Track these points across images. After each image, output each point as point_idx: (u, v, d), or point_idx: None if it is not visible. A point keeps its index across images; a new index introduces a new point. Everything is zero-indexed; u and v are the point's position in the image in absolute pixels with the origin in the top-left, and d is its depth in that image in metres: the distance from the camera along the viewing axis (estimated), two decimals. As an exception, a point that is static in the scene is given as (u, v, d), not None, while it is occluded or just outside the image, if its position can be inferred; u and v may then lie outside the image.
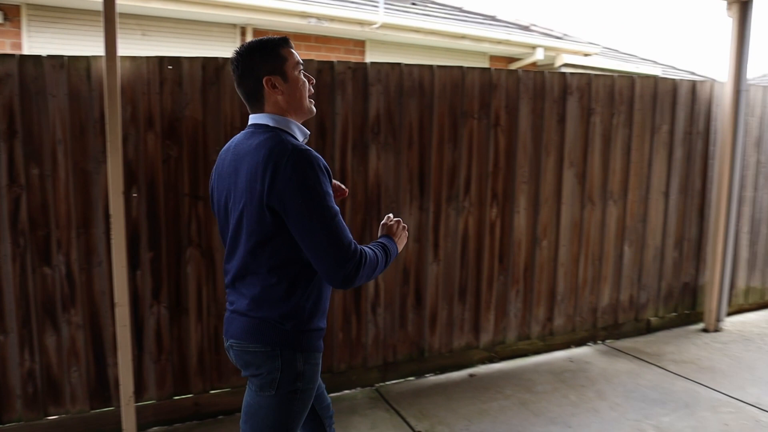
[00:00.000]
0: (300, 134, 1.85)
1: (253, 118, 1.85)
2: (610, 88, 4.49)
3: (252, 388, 1.82)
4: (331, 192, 1.70)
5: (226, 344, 1.87)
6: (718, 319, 5.04)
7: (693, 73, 12.38)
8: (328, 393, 3.52)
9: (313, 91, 1.89)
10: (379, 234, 2.02)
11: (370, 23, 6.86)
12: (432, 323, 4.07)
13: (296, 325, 1.77)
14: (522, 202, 4.28)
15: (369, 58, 7.51)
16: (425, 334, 4.06)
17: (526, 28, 8.78)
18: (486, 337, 4.29)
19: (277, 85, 1.79)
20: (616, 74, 4.63)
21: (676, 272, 5.09)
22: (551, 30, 9.03)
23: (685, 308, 5.20)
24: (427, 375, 4.08)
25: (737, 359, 4.36)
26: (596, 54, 9.47)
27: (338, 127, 3.58)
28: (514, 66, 8.55)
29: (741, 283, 5.50)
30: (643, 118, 4.68)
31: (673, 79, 4.81)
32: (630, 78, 4.61)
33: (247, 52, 1.80)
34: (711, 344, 4.68)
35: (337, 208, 1.71)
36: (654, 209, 4.87)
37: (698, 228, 5.13)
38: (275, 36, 1.83)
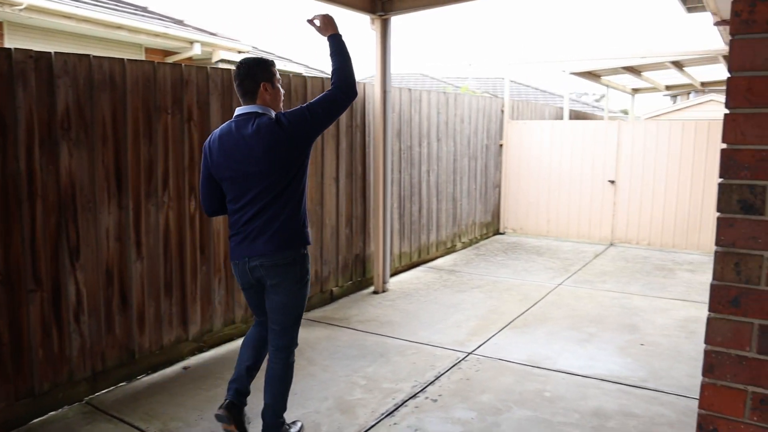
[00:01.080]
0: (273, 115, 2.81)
1: (245, 108, 2.81)
2: (287, 85, 4.96)
3: (279, 293, 2.85)
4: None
5: (252, 264, 2.83)
6: (385, 282, 6.06)
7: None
8: (31, 420, 3.25)
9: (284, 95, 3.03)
10: (324, 33, 2.94)
11: (12, 3, 6.03)
12: (140, 322, 3.98)
13: (301, 239, 2.86)
14: (218, 194, 4.45)
15: (9, 43, 6.57)
16: (134, 334, 3.95)
17: (180, 22, 8.80)
18: (195, 329, 4.37)
19: (268, 88, 2.81)
20: (290, 74, 5.14)
21: (349, 246, 5.92)
22: (204, 26, 9.22)
23: (359, 276, 6.10)
24: (140, 377, 3.98)
25: (405, 311, 5.36)
26: (248, 52, 10.02)
27: (22, 122, 3.21)
28: (171, 59, 8.50)
29: (396, 249, 6.68)
30: (315, 114, 5.30)
31: (336, 80, 5.55)
32: (303, 77, 5.18)
33: (252, 64, 2.81)
34: (383, 303, 5.63)
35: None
36: (328, 193, 5.57)
37: (363, 207, 6.05)
38: (269, 58, 2.86)
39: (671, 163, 7.85)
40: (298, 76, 5.20)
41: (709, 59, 8.93)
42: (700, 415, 1.59)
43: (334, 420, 3.38)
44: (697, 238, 7.80)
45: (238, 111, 2.83)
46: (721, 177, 1.49)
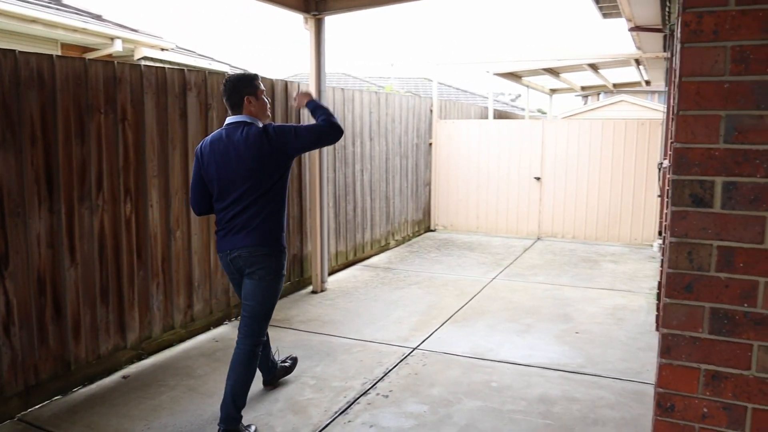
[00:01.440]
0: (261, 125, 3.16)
1: (235, 118, 3.18)
2: (219, 86, 4.86)
3: (254, 280, 3.15)
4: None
5: (233, 255, 3.15)
6: (323, 281, 6.05)
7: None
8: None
9: (269, 105, 3.35)
10: (305, 105, 3.50)
11: None
12: (76, 332, 3.80)
13: (279, 236, 3.17)
14: (154, 196, 4.32)
15: None
16: (70, 345, 3.76)
17: (98, 17, 8.40)
18: (133, 336, 4.22)
19: (251, 101, 3.17)
20: (225, 73, 5.04)
21: (288, 247, 5.86)
22: (124, 22, 8.85)
23: (296, 276, 6.06)
24: (77, 389, 3.79)
25: (346, 310, 5.38)
26: (172, 50, 9.72)
27: (-57, 122, 3.00)
28: (90, 56, 8.10)
29: (333, 249, 6.69)
30: (251, 113, 5.23)
31: (271, 79, 5.50)
32: (238, 76, 5.08)
33: (235, 80, 3.19)
34: (323, 302, 5.63)
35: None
36: (266, 194, 5.50)
37: (299, 207, 6.02)
38: (253, 72, 3.33)
39: (592, 160, 8.28)
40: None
41: (622, 62, 9.48)
42: (658, 393, 1.71)
43: (287, 421, 3.36)
44: (617, 230, 8.27)
45: (228, 120, 3.20)
46: (673, 173, 1.62)
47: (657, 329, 4.68)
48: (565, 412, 3.38)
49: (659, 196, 5.72)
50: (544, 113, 25.68)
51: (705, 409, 1.66)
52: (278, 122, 5.07)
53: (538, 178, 8.65)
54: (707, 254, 1.61)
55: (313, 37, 5.71)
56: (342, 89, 6.75)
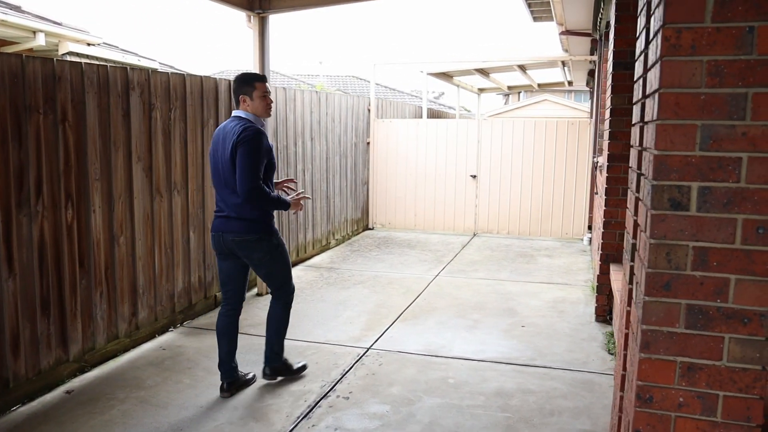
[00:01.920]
0: (257, 123, 3.56)
1: (236, 113, 3.59)
2: (166, 84, 4.71)
3: (253, 263, 3.65)
4: (261, 154, 3.44)
5: (224, 237, 3.57)
6: (268, 283, 5.96)
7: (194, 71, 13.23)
8: None
9: (271, 103, 3.67)
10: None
11: None
12: (14, 347, 3.57)
13: (266, 222, 3.58)
14: (97, 201, 4.13)
15: None
16: (8, 361, 3.54)
17: (17, 9, 7.89)
18: (76, 348, 4.02)
19: (246, 100, 3.57)
20: (169, 73, 4.87)
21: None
22: (46, 14, 8.35)
23: (241, 279, 5.94)
24: (16, 407, 3.57)
25: (294, 312, 5.21)
26: (99, 45, 9.29)
27: None
28: (10, 50, 7.61)
29: (275, 250, 6.59)
30: (194, 113, 5.09)
31: (215, 78, 5.37)
32: (182, 75, 4.93)
33: (236, 80, 3.62)
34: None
35: (262, 164, 3.48)
36: (209, 196, 5.37)
37: (242, 208, 5.90)
38: (256, 73, 3.78)
39: (526, 158, 8.59)
40: (178, 73, 4.94)
41: (549, 64, 9.87)
42: (638, 386, 1.82)
43: (249, 428, 3.31)
44: (550, 225, 8.62)
45: (233, 113, 3.64)
46: (654, 179, 1.73)
47: (596, 320, 4.94)
48: (522, 404, 3.51)
49: (596, 193, 6.00)
50: (468, 111, 26.32)
51: (681, 399, 1.79)
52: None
53: (474, 176, 8.87)
54: (684, 254, 1.73)
55: (257, 35, 5.61)
56: (284, 88, 6.68)
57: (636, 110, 2.26)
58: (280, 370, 3.89)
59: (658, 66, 1.71)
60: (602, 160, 5.23)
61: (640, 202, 2.02)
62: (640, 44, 2.21)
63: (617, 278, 4.10)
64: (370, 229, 9.51)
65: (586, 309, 5.30)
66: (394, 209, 9.40)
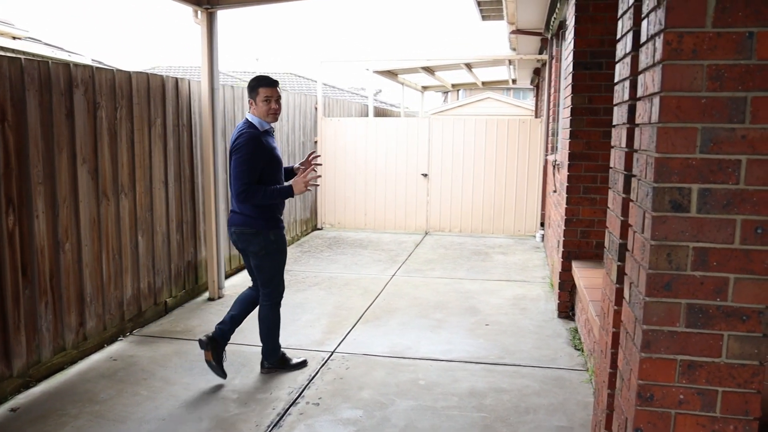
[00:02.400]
0: (259, 127, 3.74)
1: (246, 115, 3.80)
2: (111, 82, 4.46)
3: (250, 255, 3.85)
4: (253, 159, 3.62)
5: (230, 230, 3.85)
6: (220, 287, 5.78)
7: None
8: None
9: (275, 107, 3.76)
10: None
11: None
12: (-46, 366, 3.29)
13: (266, 217, 3.75)
14: (40, 205, 3.86)
15: None
16: (-52, 381, 3.26)
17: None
18: (20, 362, 3.75)
19: (252, 104, 3.76)
20: (114, 69, 4.61)
21: (181, 253, 5.53)
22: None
23: (191, 284, 5.73)
24: (-44, 431, 3.30)
25: (252, 316, 5.13)
26: (23, 38, 8.80)
27: None
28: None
29: (225, 253, 6.39)
30: (141, 112, 4.85)
31: (162, 76, 5.13)
32: (127, 73, 4.68)
33: (248, 84, 3.81)
34: (223, 309, 5.30)
35: (257, 166, 3.65)
36: (158, 198, 5.14)
37: (192, 211, 5.69)
38: (262, 78, 3.79)
39: (477, 156, 8.68)
40: (123, 71, 4.68)
41: (495, 62, 10.02)
42: (639, 385, 1.84)
43: (219, 442, 3.17)
44: (502, 223, 8.75)
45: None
46: (654, 182, 1.74)
47: (559, 316, 5.03)
48: (496, 403, 3.52)
49: (553, 191, 6.12)
50: (408, 109, 26.45)
51: (681, 396, 1.81)
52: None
53: (425, 175, 8.89)
54: (684, 255, 1.75)
55: (205, 31, 5.40)
56: (232, 87, 6.47)
57: (619, 111, 2.28)
58: (277, 364, 4.06)
59: (657, 69, 1.72)
60: (560, 158, 5.32)
61: (631, 203, 2.03)
62: (623, 46, 2.23)
63: (583, 275, 4.18)
64: (319, 229, 9.39)
65: (548, 305, 5.39)
66: (344, 209, 9.31)
